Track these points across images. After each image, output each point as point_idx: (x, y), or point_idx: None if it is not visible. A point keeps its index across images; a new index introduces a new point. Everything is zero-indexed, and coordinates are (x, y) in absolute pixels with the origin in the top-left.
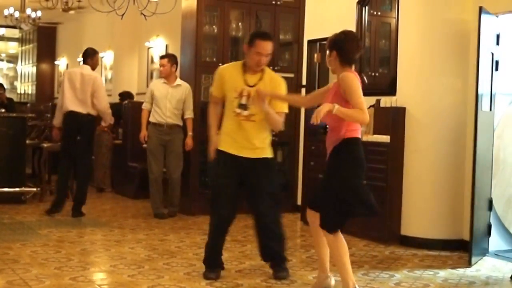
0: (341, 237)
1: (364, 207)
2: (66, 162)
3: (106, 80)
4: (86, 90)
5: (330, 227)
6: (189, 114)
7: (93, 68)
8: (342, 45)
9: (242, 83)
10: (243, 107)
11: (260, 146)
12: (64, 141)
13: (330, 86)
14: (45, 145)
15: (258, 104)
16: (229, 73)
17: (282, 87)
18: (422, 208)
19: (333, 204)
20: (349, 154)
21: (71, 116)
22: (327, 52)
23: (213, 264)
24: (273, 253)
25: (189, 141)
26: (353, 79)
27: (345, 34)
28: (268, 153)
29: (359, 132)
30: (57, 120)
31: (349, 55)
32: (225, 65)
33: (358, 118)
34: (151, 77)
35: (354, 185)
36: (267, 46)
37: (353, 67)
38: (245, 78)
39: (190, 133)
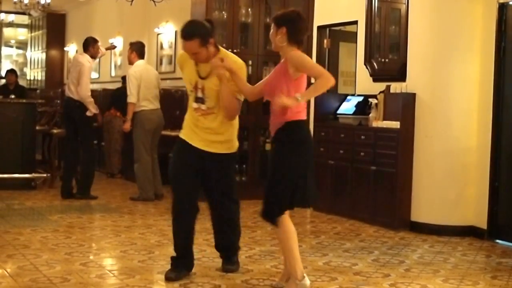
0: (286, 224)
1: (297, 197)
2: (68, 147)
3: (115, 66)
4: (73, 77)
5: (270, 216)
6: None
7: (94, 57)
8: (295, 23)
9: (195, 75)
10: (200, 100)
11: (221, 140)
12: (64, 127)
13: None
14: (55, 131)
15: (216, 77)
16: (184, 63)
17: (240, 71)
18: (432, 194)
19: (272, 192)
20: (291, 138)
21: (65, 101)
22: (274, 28)
23: (178, 262)
24: (227, 244)
25: (126, 125)
26: (303, 54)
27: (297, 13)
28: (230, 148)
29: (303, 114)
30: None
31: (299, 35)
32: (182, 52)
33: (326, 85)
34: (161, 63)
35: (292, 173)
36: (187, 46)
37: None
38: (198, 68)
39: (129, 117)
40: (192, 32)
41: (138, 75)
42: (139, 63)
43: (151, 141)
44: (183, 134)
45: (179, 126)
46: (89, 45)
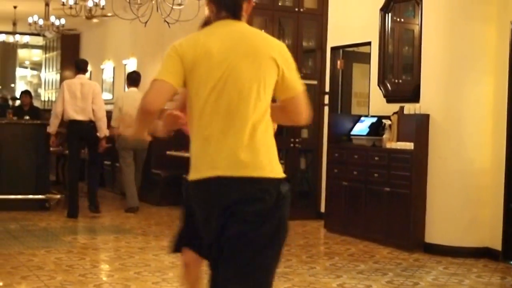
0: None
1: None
2: (73, 167)
3: None
4: (87, 98)
5: None
6: None
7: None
8: None
9: None
10: None
11: None
12: (70, 148)
13: None
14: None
15: None
16: None
17: None
18: (447, 215)
19: None
20: None
21: (74, 124)
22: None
23: None
24: None
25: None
26: None
27: None
28: None
29: None
30: (53, 128)
31: None
32: None
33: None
34: None
35: None
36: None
37: None
38: None
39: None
40: None
41: (120, 102)
42: (128, 90)
43: (133, 158)
44: None
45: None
46: (87, 66)
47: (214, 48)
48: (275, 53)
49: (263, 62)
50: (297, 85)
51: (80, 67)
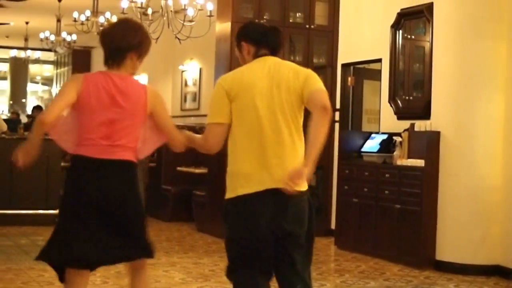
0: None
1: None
2: None
3: None
4: None
5: None
6: None
7: None
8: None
9: None
10: None
11: None
12: None
13: None
14: None
15: None
16: None
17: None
18: (458, 233)
19: None
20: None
21: None
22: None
23: None
24: None
25: None
26: None
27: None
28: None
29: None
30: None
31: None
32: None
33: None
34: (185, 100)
35: None
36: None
37: None
38: None
39: None
40: None
41: None
42: None
43: None
44: None
45: (203, 163)
46: None
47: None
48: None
49: (295, 93)
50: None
51: None
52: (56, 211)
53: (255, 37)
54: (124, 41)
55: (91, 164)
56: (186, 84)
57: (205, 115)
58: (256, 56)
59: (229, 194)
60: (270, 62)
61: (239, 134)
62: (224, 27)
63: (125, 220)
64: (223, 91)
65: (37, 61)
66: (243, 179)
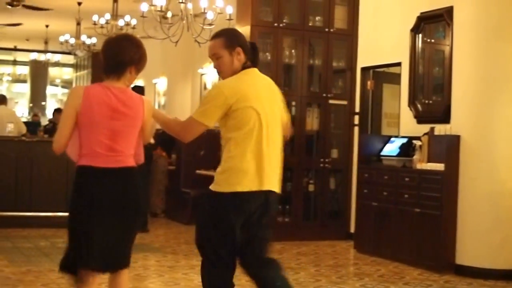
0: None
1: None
2: None
3: (159, 106)
4: None
5: None
6: None
7: None
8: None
9: None
10: None
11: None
12: None
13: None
14: None
15: None
16: None
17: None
18: (478, 237)
19: None
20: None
21: None
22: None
23: None
24: None
25: None
26: None
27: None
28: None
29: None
30: None
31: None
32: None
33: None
34: None
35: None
36: (210, 46)
37: None
38: None
39: None
40: (221, 31)
41: None
42: None
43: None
44: None
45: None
46: None
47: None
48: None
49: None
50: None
51: (141, 93)
52: None
53: (247, 49)
54: (127, 56)
55: (98, 174)
56: (205, 88)
57: None
58: (243, 66)
59: (224, 188)
60: (262, 76)
61: (240, 137)
62: (243, 30)
63: (126, 227)
64: (223, 98)
65: (56, 64)
66: (242, 177)
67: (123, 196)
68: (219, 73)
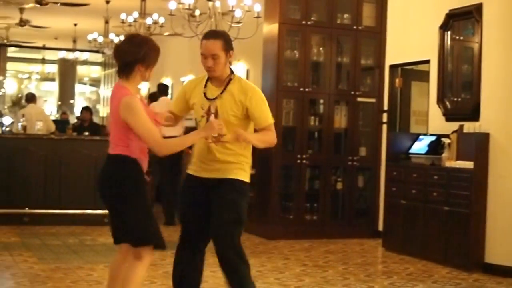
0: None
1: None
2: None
3: None
4: None
5: None
6: None
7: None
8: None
9: (201, 97)
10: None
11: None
12: (161, 163)
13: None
14: None
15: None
16: (194, 89)
17: (254, 98)
18: (507, 235)
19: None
20: None
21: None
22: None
23: None
24: None
25: None
26: None
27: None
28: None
29: None
30: None
31: None
32: (190, 79)
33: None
34: None
35: None
36: (209, 45)
37: None
38: (205, 90)
39: None
40: (217, 33)
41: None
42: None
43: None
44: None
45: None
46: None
47: None
48: None
49: None
50: None
51: (165, 90)
52: (104, 211)
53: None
54: (130, 56)
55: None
56: None
57: None
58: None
59: (248, 179)
60: None
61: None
62: (271, 28)
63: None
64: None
65: (85, 62)
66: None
67: (98, 178)
68: (211, 72)
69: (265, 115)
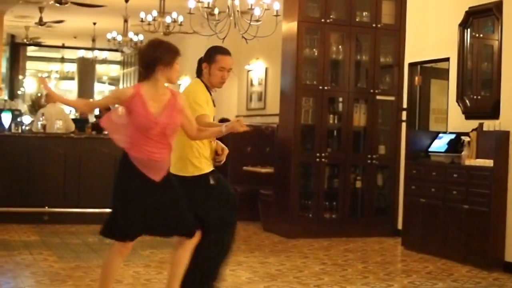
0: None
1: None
2: None
3: None
4: None
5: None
6: None
7: None
8: None
9: (212, 105)
10: None
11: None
12: None
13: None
14: None
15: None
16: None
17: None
18: None
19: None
20: None
21: None
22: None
23: None
24: None
25: None
26: None
27: None
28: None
29: None
30: None
31: None
32: (197, 86)
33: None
34: (251, 100)
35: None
36: (230, 61)
37: None
38: (212, 98)
39: None
40: (228, 50)
41: None
42: None
43: None
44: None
45: (269, 163)
46: None
47: None
48: None
49: None
50: None
51: None
52: None
53: None
54: (148, 58)
55: None
56: (251, 84)
57: (271, 115)
58: None
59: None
60: None
61: None
62: (290, 26)
63: None
64: None
65: (104, 61)
66: None
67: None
68: (223, 83)
69: None
